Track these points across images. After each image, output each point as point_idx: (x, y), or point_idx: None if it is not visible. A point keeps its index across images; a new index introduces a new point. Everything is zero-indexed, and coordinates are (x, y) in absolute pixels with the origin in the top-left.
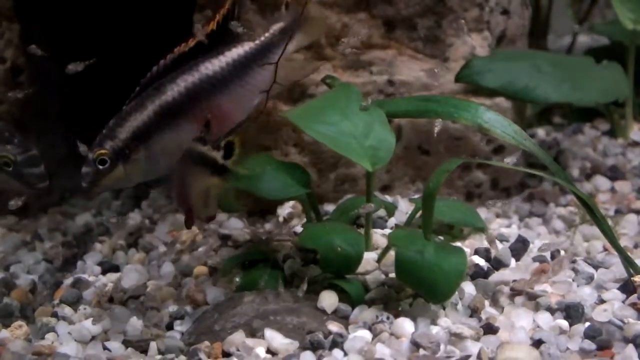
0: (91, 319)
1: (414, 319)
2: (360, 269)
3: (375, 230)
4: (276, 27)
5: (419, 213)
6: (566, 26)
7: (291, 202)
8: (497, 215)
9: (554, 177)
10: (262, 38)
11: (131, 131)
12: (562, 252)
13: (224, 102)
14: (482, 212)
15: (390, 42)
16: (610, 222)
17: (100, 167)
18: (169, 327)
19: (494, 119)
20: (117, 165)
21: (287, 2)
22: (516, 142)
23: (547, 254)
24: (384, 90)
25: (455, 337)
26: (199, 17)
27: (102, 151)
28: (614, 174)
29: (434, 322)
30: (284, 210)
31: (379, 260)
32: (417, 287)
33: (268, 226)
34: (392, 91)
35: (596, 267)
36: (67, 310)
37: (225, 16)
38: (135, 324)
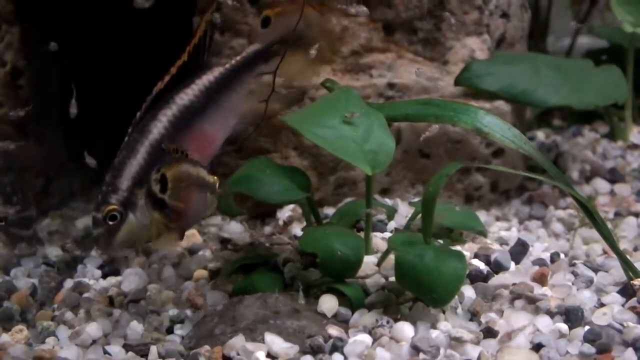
0: (92, 323)
1: (413, 322)
2: (360, 272)
3: (375, 233)
4: (250, 49)
5: (419, 216)
6: (566, 27)
7: (291, 206)
8: (497, 219)
9: (554, 180)
10: (233, 62)
11: (130, 178)
12: (562, 255)
13: (205, 127)
14: (482, 215)
15: (390, 46)
16: (609, 225)
17: (111, 223)
18: (169, 331)
19: (494, 122)
20: (127, 217)
21: (264, 18)
22: (515, 146)
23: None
24: (384, 93)
25: (455, 341)
26: (198, 20)
27: (110, 207)
28: (614, 176)
29: (433, 326)
30: (284, 213)
31: (378, 264)
32: (416, 291)
33: (268, 229)
34: (392, 94)
35: (596, 271)
36: (67, 314)
37: (197, 46)
38: (135, 327)
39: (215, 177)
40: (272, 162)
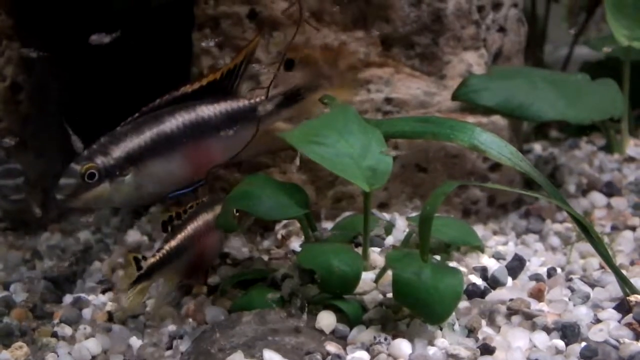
0: (92, 338)
1: (411, 339)
2: (358, 289)
3: (372, 249)
4: (276, 92)
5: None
6: (563, 37)
7: (289, 220)
8: (494, 232)
9: (549, 197)
10: (259, 99)
11: (125, 152)
12: (559, 270)
13: (212, 146)
14: (479, 229)
15: (388, 60)
16: (606, 239)
17: (86, 180)
18: (169, 346)
19: (490, 140)
20: (103, 182)
21: (287, 60)
22: (512, 163)
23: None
24: (381, 108)
25: (452, 358)
26: (197, 35)
27: (92, 164)
28: (610, 190)
29: (431, 343)
30: (282, 227)
31: (376, 281)
32: (414, 309)
33: (266, 243)
34: (390, 109)
35: (592, 286)
36: (67, 329)
37: (231, 71)
38: (135, 343)
39: None
40: (271, 179)
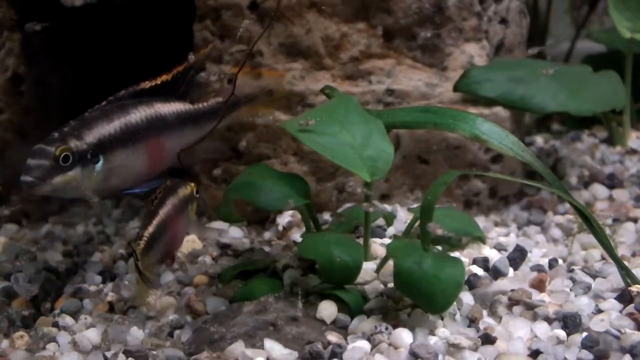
0: (92, 328)
1: (412, 329)
2: (359, 279)
3: (374, 239)
4: (213, 101)
5: (418, 222)
6: (565, 31)
7: (290, 211)
8: (496, 224)
9: (552, 187)
10: (201, 106)
11: (97, 138)
12: (560, 261)
13: (167, 144)
14: (481, 221)
15: (389, 52)
16: (608, 230)
17: (60, 163)
18: (169, 336)
19: (492, 130)
20: (75, 167)
21: (229, 78)
22: (514, 153)
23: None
24: (383, 99)
25: (453, 348)
26: (198, 26)
27: (66, 147)
28: (612, 182)
29: (432, 333)
30: (284, 219)
31: (377, 271)
32: (415, 298)
33: (268, 235)
34: (391, 100)
35: (594, 277)
36: (67, 319)
37: (182, 74)
38: (135, 333)
39: (192, 184)
40: (272, 169)
